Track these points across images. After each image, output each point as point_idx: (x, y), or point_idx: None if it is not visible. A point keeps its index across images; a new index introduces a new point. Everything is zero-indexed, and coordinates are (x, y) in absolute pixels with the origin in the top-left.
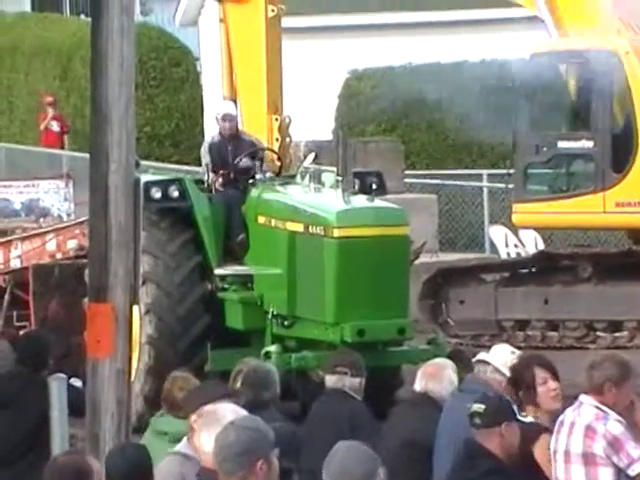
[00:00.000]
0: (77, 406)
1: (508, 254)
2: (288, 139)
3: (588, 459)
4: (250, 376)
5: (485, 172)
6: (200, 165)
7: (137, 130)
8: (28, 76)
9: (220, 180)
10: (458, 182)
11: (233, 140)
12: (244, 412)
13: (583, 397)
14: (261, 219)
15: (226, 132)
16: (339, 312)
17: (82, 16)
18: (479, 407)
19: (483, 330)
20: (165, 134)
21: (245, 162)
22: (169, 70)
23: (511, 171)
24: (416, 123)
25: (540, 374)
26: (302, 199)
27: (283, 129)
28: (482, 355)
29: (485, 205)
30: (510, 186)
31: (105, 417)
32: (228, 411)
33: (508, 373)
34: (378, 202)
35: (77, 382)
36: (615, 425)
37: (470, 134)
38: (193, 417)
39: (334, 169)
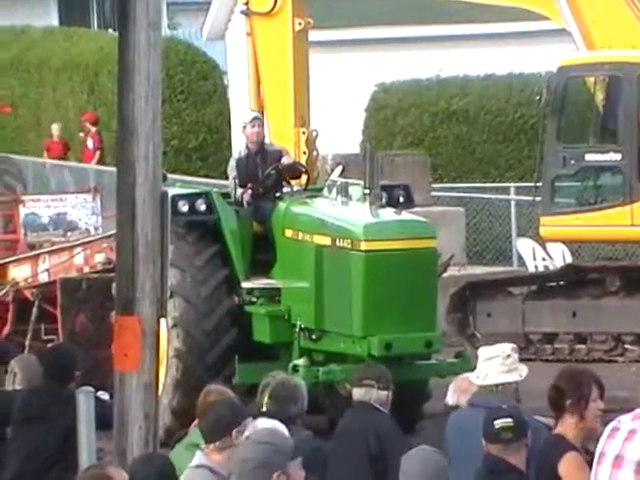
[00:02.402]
0: (104, 419)
1: (536, 267)
2: (315, 152)
3: None
4: (278, 390)
5: (512, 185)
6: (227, 179)
7: (164, 144)
8: (56, 91)
9: (249, 193)
10: (485, 195)
11: (260, 152)
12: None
13: None
14: (288, 232)
15: (253, 139)
16: (366, 325)
17: (110, 30)
18: (507, 421)
19: (511, 343)
20: (192, 148)
21: (273, 174)
22: (196, 84)
23: (539, 184)
24: (443, 136)
25: (595, 390)
26: (329, 212)
27: (310, 142)
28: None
29: (513, 218)
30: (538, 199)
31: (132, 431)
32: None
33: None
34: (405, 215)
35: (105, 395)
36: None
37: (497, 147)
38: (234, 433)
39: (361, 182)
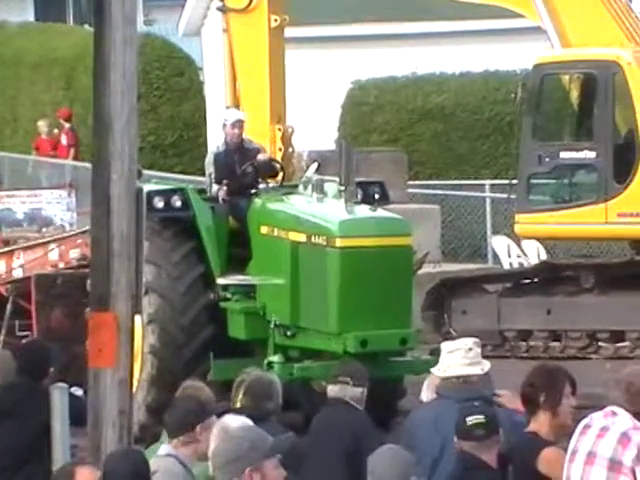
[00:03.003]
0: (78, 415)
1: (511, 264)
2: (291, 149)
3: (614, 465)
4: (253, 386)
5: (488, 182)
6: (204, 175)
7: (140, 140)
8: (32, 86)
9: (225, 190)
10: (461, 192)
11: (239, 149)
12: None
13: (615, 408)
14: (264, 229)
15: (234, 139)
16: (342, 322)
17: (86, 26)
18: (479, 418)
19: (486, 340)
20: (168, 144)
21: (251, 171)
22: (172, 80)
23: (514, 181)
24: (419, 133)
25: (568, 387)
26: (305, 209)
27: (286, 139)
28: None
29: (488, 215)
30: (513, 196)
31: (107, 427)
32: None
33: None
34: (381, 212)
35: (78, 391)
36: None
37: (473, 144)
38: (198, 428)
39: (337, 179)
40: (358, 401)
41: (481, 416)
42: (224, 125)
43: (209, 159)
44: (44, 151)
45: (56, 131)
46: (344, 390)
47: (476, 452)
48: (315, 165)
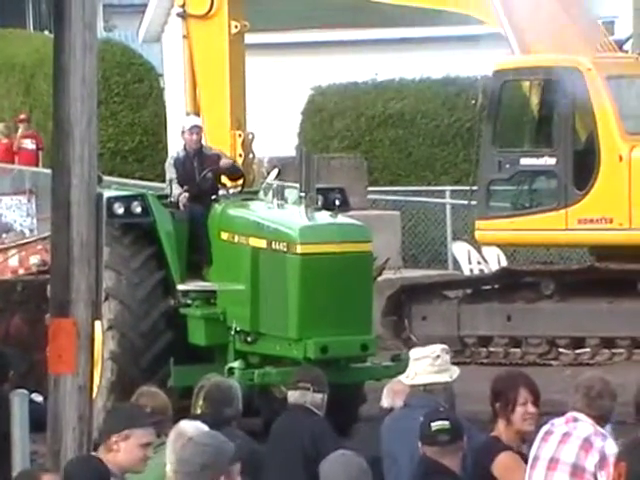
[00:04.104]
0: (38, 421)
1: (471, 271)
2: (251, 155)
3: (577, 471)
4: (212, 392)
5: (448, 189)
6: (164, 181)
7: (100, 146)
8: None
9: (185, 196)
10: (421, 198)
11: (198, 155)
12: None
13: (577, 414)
14: (224, 235)
15: (192, 146)
16: (302, 328)
17: (45, 32)
18: (444, 424)
19: (443, 345)
20: (128, 150)
21: (210, 177)
22: (132, 86)
23: (474, 188)
24: (379, 139)
25: (523, 394)
26: (265, 215)
27: (246, 145)
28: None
29: (448, 222)
30: (473, 203)
31: (66, 433)
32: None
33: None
34: (341, 219)
35: (38, 397)
36: (612, 445)
37: (433, 151)
38: (113, 438)
39: (297, 185)
40: (318, 407)
41: (446, 422)
42: (182, 132)
43: (169, 163)
44: (1, 155)
45: (19, 132)
46: (304, 396)
47: (439, 457)
48: (276, 171)
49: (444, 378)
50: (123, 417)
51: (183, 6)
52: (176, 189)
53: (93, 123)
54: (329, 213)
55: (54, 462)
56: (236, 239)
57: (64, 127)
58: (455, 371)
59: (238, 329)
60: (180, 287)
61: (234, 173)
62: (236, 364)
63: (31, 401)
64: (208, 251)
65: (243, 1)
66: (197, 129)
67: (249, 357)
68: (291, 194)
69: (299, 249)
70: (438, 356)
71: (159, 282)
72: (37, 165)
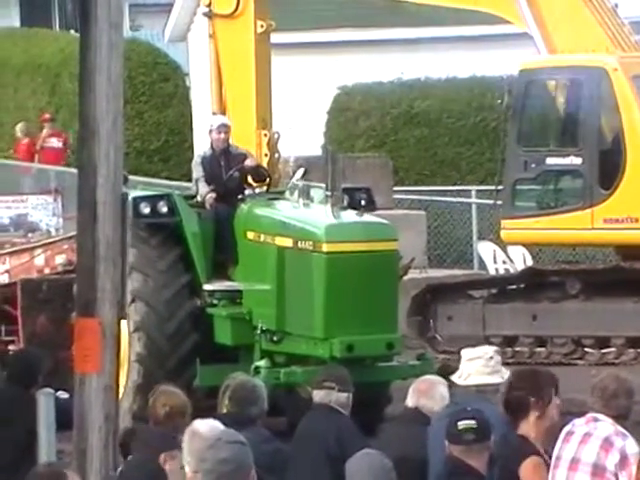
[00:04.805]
0: (65, 418)
1: (496, 270)
2: (277, 154)
3: (597, 470)
4: (237, 392)
5: (474, 188)
6: (189, 180)
7: (126, 145)
8: (17, 92)
9: (212, 196)
10: (447, 198)
11: (225, 154)
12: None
13: (597, 414)
14: (250, 235)
15: (219, 145)
16: (328, 327)
17: (71, 31)
18: (470, 423)
19: (471, 346)
20: (154, 149)
21: (237, 177)
22: (158, 85)
23: (499, 187)
24: (405, 139)
25: (554, 388)
26: (291, 214)
27: (272, 144)
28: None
29: (474, 221)
30: (498, 202)
31: (92, 433)
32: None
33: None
34: (367, 217)
35: (64, 395)
36: (632, 444)
37: (458, 150)
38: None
39: (323, 185)
40: (343, 406)
41: (472, 421)
42: (210, 130)
43: (196, 162)
44: (22, 155)
45: (44, 131)
46: (329, 395)
47: (465, 457)
48: (302, 171)
49: (496, 379)
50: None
51: (209, 5)
52: (203, 188)
53: (119, 122)
54: (355, 212)
55: (80, 461)
56: (262, 238)
57: (90, 126)
58: (506, 373)
59: (264, 328)
60: (206, 287)
61: (259, 175)
62: (262, 363)
63: (57, 398)
64: (234, 251)
65: (269, 1)
66: (225, 128)
67: (275, 356)
68: (317, 194)
69: (325, 247)
70: (491, 357)
71: (185, 283)
72: (63, 163)
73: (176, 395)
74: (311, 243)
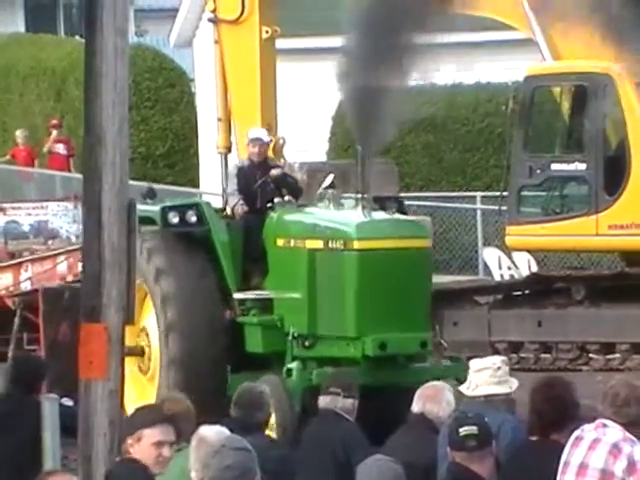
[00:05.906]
0: (68, 425)
1: (502, 276)
2: (282, 160)
3: (605, 476)
4: (243, 397)
5: (479, 194)
6: (194, 186)
7: (131, 151)
8: (22, 97)
9: (243, 207)
10: (452, 204)
11: (262, 167)
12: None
13: (606, 420)
14: (280, 241)
15: (253, 158)
16: (360, 325)
17: (77, 37)
18: (472, 429)
19: (476, 352)
20: (159, 155)
21: (271, 190)
22: (164, 91)
23: (505, 193)
24: (410, 145)
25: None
26: (321, 216)
27: (277, 150)
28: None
29: (479, 227)
30: (504, 208)
31: (97, 438)
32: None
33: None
34: (398, 216)
35: (69, 402)
36: None
37: (464, 156)
38: (128, 441)
39: (352, 195)
40: (349, 412)
41: (474, 427)
42: (247, 145)
43: (231, 173)
44: (20, 160)
45: (52, 136)
46: (335, 401)
47: (467, 463)
48: (331, 177)
49: (504, 389)
50: (135, 420)
51: (214, 11)
52: (233, 201)
53: (124, 128)
54: (385, 211)
55: (85, 467)
56: (292, 243)
57: (95, 132)
58: (514, 382)
59: (296, 334)
60: (236, 296)
61: (287, 185)
62: (294, 365)
63: (62, 405)
64: (264, 260)
65: (274, 6)
66: (259, 142)
67: (307, 362)
68: (347, 201)
69: (356, 245)
70: (499, 367)
71: (216, 291)
72: (69, 171)
73: (181, 401)
74: (342, 242)
